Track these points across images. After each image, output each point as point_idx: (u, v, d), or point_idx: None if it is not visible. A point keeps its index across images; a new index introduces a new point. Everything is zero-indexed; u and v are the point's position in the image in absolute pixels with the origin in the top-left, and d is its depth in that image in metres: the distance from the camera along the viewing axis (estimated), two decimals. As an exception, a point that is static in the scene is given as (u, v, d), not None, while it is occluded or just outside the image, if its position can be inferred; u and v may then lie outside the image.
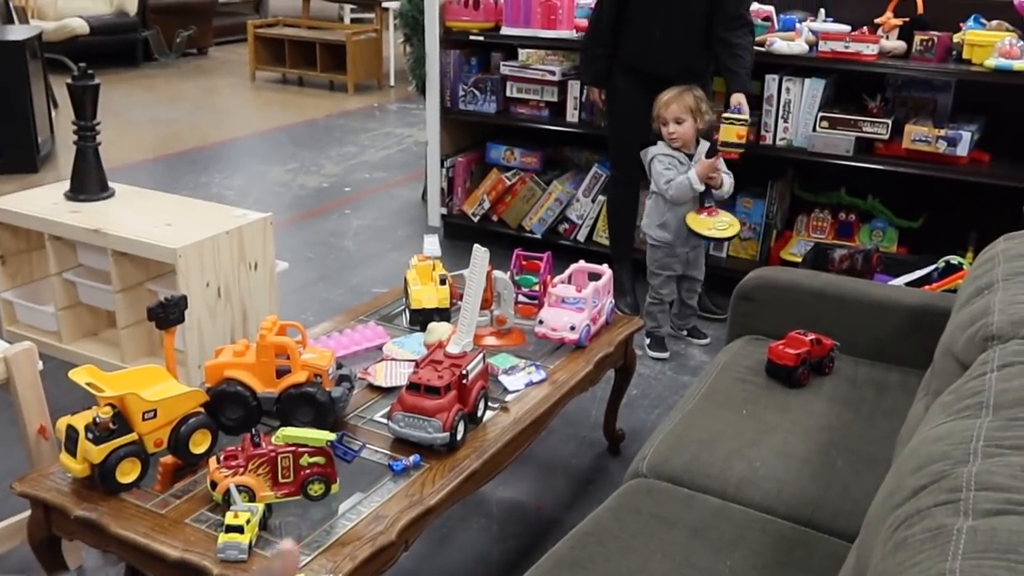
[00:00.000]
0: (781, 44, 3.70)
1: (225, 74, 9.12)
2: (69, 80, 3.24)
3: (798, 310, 2.53)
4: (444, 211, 4.57)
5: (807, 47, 3.73)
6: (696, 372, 3.35)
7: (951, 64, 3.56)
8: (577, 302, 2.48)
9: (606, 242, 4.16)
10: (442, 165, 4.51)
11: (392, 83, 8.68)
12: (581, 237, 4.31)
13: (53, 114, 6.16)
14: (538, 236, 4.31)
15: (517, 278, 2.58)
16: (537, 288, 2.59)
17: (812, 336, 2.33)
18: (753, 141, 3.89)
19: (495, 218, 4.46)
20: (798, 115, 3.78)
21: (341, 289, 4.02)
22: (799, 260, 3.84)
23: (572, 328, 2.44)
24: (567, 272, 2.68)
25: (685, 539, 1.74)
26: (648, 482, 1.93)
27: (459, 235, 4.49)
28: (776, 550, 1.73)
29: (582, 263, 2.72)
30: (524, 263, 2.64)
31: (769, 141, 3.86)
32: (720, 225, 3.32)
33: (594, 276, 2.66)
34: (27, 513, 1.99)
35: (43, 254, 3.27)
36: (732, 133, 3.29)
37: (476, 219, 4.45)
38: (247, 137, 6.78)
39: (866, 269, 3.57)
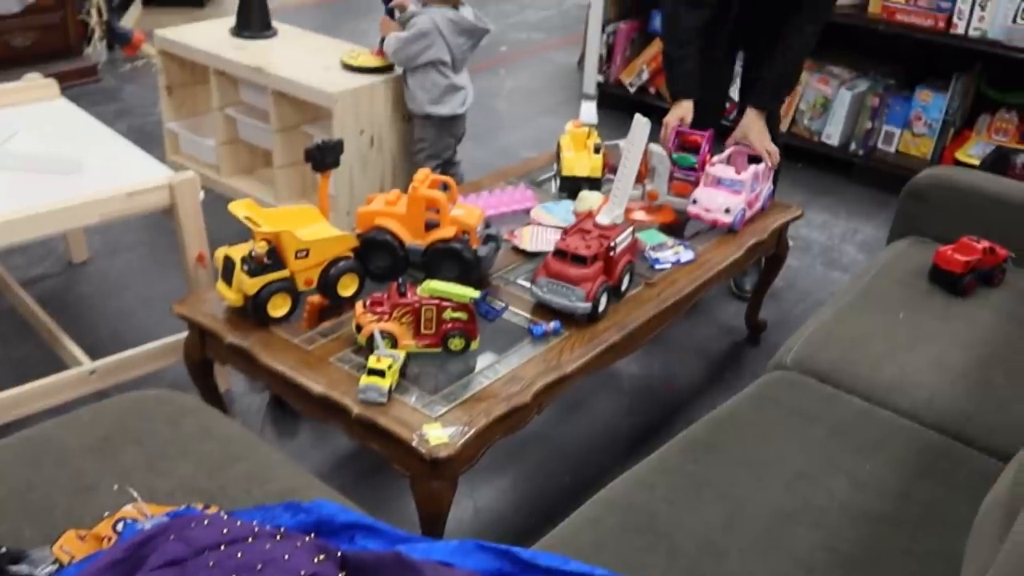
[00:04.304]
0: (990, -78, 3.36)
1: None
2: (241, -86, 3.24)
3: (972, 215, 2.36)
4: (600, 79, 4.44)
5: (1019, -73, 3.38)
6: (848, 269, 3.22)
7: None
8: (734, 184, 2.38)
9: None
10: (603, 30, 4.36)
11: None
12: (741, 118, 4.12)
13: (222, -49, 6.22)
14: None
15: (674, 156, 2.49)
16: (695, 167, 2.49)
17: (985, 244, 2.18)
18: (943, 29, 3.60)
19: (652, 90, 4.31)
20: (998, 4, 3.46)
21: (489, 149, 3.99)
22: (976, 163, 3.59)
23: (727, 211, 2.35)
24: (726, 152, 2.57)
25: (825, 436, 1.68)
26: (792, 375, 1.87)
27: (613, 105, 4.36)
28: (921, 459, 1.66)
29: (743, 146, 2.60)
30: (684, 138, 2.54)
31: (960, 30, 3.56)
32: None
33: (755, 159, 2.54)
34: (183, 334, 2.09)
35: (207, 88, 3.34)
36: None
37: (632, 90, 4.31)
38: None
39: (1050, 178, 3.32)
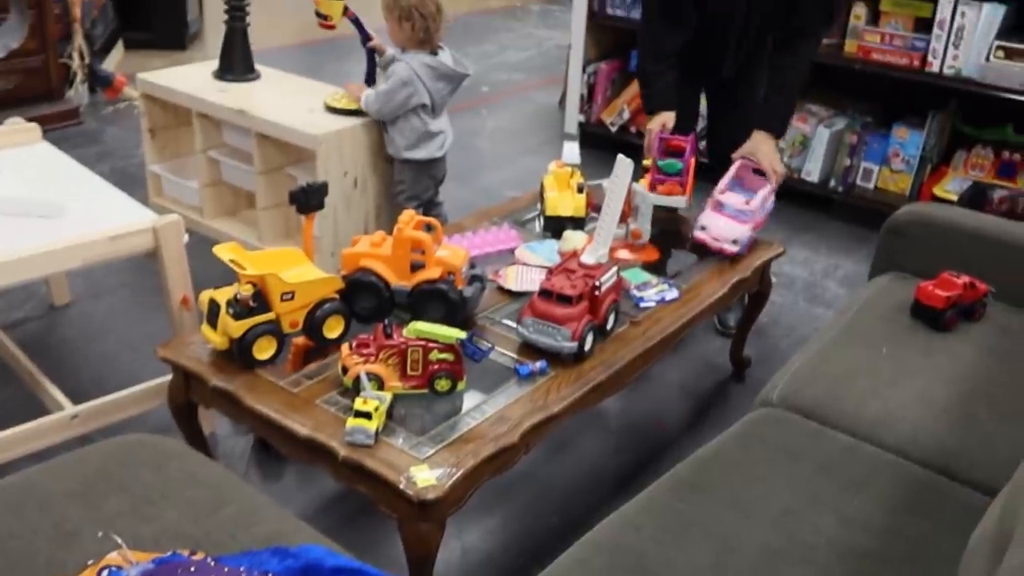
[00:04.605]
0: (961, -36, 3.42)
1: (371, -36, 9.08)
2: (224, -41, 3.27)
3: (951, 250, 2.39)
4: (582, 118, 4.49)
5: (990, -31, 3.45)
6: (831, 305, 3.24)
7: None
8: (743, 214, 2.43)
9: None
10: (584, 71, 4.41)
11: (537, -17, 8.49)
12: (721, 155, 4.16)
13: (203, -6, 6.27)
14: (676, 151, 4.19)
15: (660, 163, 2.54)
16: (681, 172, 2.54)
17: (966, 279, 2.20)
18: (918, 68, 3.66)
19: (633, 129, 4.36)
20: (971, 43, 3.53)
21: (472, 189, 4.01)
22: (953, 198, 3.64)
23: (734, 241, 2.41)
24: (733, 169, 2.62)
25: (812, 473, 1.69)
26: (777, 412, 1.88)
27: (595, 144, 4.39)
28: (907, 494, 1.67)
29: (748, 160, 2.65)
30: (667, 143, 2.58)
31: (935, 68, 3.62)
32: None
33: (758, 171, 2.61)
34: (167, 377, 2.08)
35: (190, 130, 3.36)
36: (327, 6, 3.00)
37: (614, 129, 4.35)
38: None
39: (1027, 213, 3.36)
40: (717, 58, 2.80)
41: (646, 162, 2.60)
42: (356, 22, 3.02)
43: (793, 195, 3.98)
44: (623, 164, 2.06)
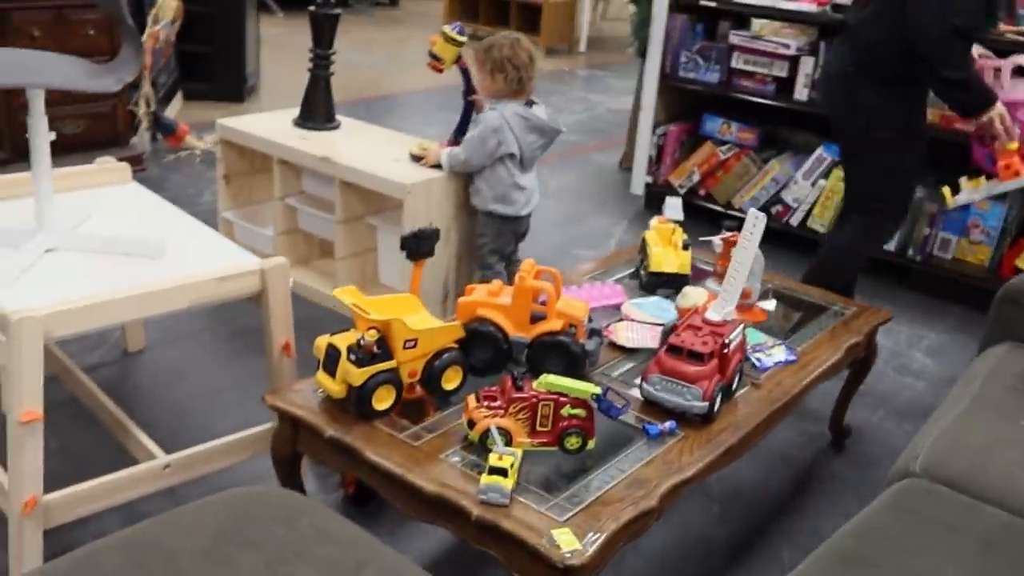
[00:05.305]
0: (1052, 33, 3.40)
1: (417, 26, 9.18)
2: (312, 8, 3.26)
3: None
4: (649, 179, 4.43)
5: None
6: (920, 375, 3.14)
7: None
8: None
9: (819, 228, 3.97)
10: (653, 132, 4.36)
11: (582, 49, 8.54)
12: (794, 221, 4.08)
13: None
14: (747, 215, 4.12)
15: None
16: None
17: (1098, 350, 2.10)
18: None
19: (702, 192, 4.30)
20: (1058, 113, 3.46)
21: (542, 246, 3.93)
22: (1039, 270, 3.54)
23: None
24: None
25: (976, 550, 1.58)
26: (924, 483, 1.77)
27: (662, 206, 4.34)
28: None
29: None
30: None
31: (1019, 138, 3.56)
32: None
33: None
34: (264, 427, 2.00)
35: (264, 177, 3.31)
36: (443, 48, 2.95)
37: (683, 191, 4.29)
38: (440, 89, 6.77)
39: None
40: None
41: (1012, 145, 2.74)
42: (465, 72, 2.99)
43: (871, 264, 3.90)
44: (755, 218, 1.98)
